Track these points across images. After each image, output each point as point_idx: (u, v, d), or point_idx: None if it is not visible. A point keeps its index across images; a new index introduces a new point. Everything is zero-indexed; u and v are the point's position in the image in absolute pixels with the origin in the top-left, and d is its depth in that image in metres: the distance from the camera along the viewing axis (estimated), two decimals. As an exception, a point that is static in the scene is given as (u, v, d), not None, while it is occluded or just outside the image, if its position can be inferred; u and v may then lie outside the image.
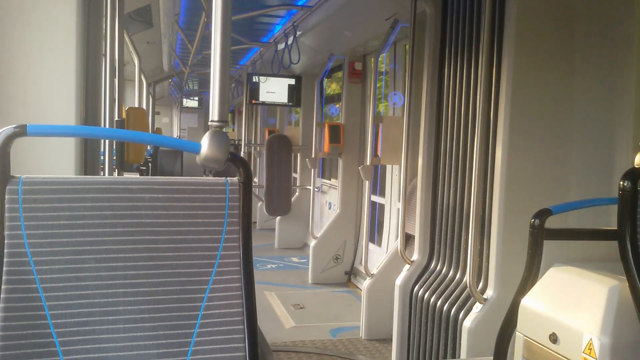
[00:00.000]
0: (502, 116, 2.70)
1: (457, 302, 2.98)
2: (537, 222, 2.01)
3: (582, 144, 2.70)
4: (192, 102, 14.32)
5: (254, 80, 6.85)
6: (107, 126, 2.51)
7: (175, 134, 14.68)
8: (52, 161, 2.15)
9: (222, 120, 1.30)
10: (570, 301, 2.00)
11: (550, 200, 2.62)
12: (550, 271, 2.15)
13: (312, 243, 5.88)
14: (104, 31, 2.44)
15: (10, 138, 1.19)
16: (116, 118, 2.66)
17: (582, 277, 2.02)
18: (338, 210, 5.90)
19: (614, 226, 1.87)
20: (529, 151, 2.70)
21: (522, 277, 2.10)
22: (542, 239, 2.02)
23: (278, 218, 7.55)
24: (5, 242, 1.20)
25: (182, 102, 13.96)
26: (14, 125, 1.19)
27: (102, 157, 2.56)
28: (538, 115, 2.69)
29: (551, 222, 2.04)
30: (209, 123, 1.34)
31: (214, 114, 1.32)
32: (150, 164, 5.42)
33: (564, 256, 2.21)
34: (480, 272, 2.86)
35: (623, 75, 2.56)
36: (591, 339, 1.83)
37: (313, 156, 6.10)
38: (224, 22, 1.30)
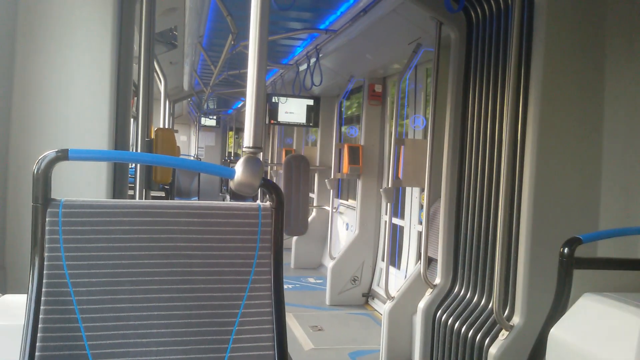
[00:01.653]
0: (529, 140, 2.70)
1: (482, 329, 2.95)
2: (567, 251, 1.99)
3: (612, 169, 2.68)
4: (210, 121, 14.46)
5: (274, 100, 6.93)
6: (138, 146, 2.55)
7: (193, 152, 14.82)
8: (83, 180, 2.20)
9: (256, 146, 1.32)
10: (601, 332, 1.96)
11: (579, 225, 2.60)
12: (581, 301, 2.12)
13: (330, 264, 5.86)
14: (135, 54, 2.50)
15: (52, 162, 1.22)
16: (145, 138, 2.70)
17: (614, 308, 1.98)
18: (356, 232, 5.89)
19: None
20: (557, 176, 2.68)
21: (551, 306, 2.07)
22: (572, 268, 2.00)
23: (294, 238, 7.54)
24: (45, 263, 1.23)
25: (200, 120, 14.11)
26: (56, 150, 1.22)
27: (131, 177, 2.60)
28: (567, 140, 2.68)
29: (580, 249, 2.02)
30: (243, 149, 1.36)
31: (248, 139, 1.34)
32: (171, 183, 5.48)
33: (593, 284, 2.18)
34: (506, 298, 2.83)
35: None
36: None
37: (332, 177, 6.12)
38: (260, 51, 1.32)
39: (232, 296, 1.34)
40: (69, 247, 1.24)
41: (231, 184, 1.35)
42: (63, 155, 1.22)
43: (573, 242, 2.00)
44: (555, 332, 2.05)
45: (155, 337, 1.28)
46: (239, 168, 1.32)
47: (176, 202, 1.36)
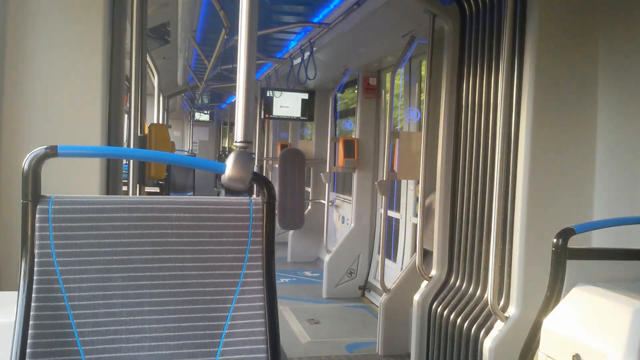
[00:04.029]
0: (523, 131, 2.70)
1: (478, 320, 2.96)
2: (560, 241, 2.00)
3: (606, 159, 2.68)
4: (204, 116, 14.40)
5: (268, 94, 6.91)
6: (131, 142, 2.54)
7: (187, 147, 14.79)
8: (75, 176, 2.18)
9: (247, 140, 1.31)
10: (594, 322, 1.97)
11: (573, 215, 2.61)
12: (574, 291, 2.12)
13: (327, 257, 5.88)
14: (127, 50, 2.48)
15: (42, 159, 1.21)
16: (139, 134, 2.69)
17: (606, 298, 1.99)
18: (352, 225, 5.89)
19: (637, 245, 1.86)
20: (551, 166, 2.69)
21: (545, 297, 2.08)
22: (565, 259, 2.01)
23: (291, 232, 7.55)
24: (35, 260, 1.22)
25: (194, 115, 14.07)
26: (45, 147, 1.21)
27: (125, 173, 2.59)
28: (560, 131, 2.68)
29: (574, 240, 2.03)
30: (234, 144, 1.35)
31: (238, 134, 1.33)
32: (165, 178, 5.47)
33: (587, 275, 2.19)
34: (501, 289, 2.84)
35: None
36: None
37: (327, 170, 6.12)
38: (249, 46, 1.31)
39: (224, 291, 1.34)
40: (59, 243, 1.24)
41: (222, 179, 1.34)
42: (52, 151, 1.21)
43: (566, 233, 2.01)
44: (549, 323, 2.06)
45: (147, 332, 1.28)
46: (229, 163, 1.31)
47: (167, 197, 1.35)
